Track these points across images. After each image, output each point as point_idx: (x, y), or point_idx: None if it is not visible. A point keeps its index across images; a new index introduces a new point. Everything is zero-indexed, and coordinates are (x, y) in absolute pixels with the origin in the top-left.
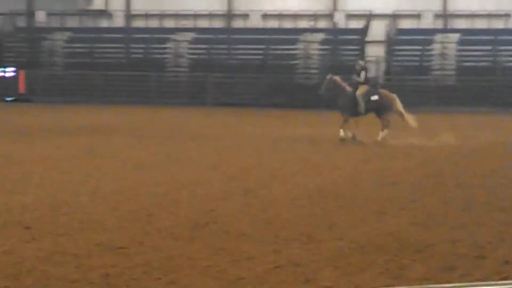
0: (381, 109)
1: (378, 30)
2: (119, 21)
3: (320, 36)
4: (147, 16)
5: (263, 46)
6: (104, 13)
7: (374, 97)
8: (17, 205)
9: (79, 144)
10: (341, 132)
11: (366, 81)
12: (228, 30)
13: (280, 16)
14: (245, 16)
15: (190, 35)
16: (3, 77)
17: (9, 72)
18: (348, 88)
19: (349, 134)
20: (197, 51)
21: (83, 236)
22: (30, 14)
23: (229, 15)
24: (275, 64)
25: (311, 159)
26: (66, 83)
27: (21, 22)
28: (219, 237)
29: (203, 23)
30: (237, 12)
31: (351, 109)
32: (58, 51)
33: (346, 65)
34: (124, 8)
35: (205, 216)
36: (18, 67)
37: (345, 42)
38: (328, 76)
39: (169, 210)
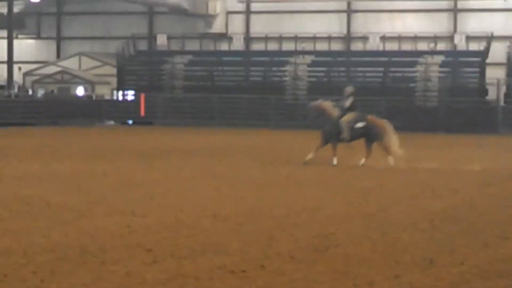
0: (368, 137)
1: (498, 52)
2: (238, 44)
3: (440, 58)
4: (266, 39)
5: (382, 69)
6: (224, 37)
7: (360, 124)
8: (139, 226)
9: (199, 166)
10: (334, 161)
11: (353, 107)
12: (347, 53)
13: (399, 38)
14: (364, 38)
15: (309, 58)
16: (124, 100)
17: (130, 95)
18: (334, 114)
19: (334, 160)
20: (315, 74)
21: (205, 258)
22: (151, 38)
23: (348, 38)
24: (394, 87)
25: (430, 182)
26: (186, 105)
27: (142, 46)
28: (339, 261)
29: (322, 46)
30: (356, 35)
31: (334, 136)
32: (178, 74)
33: (466, 87)
34: (243, 31)
35: (326, 239)
36: (139, 90)
37: (465, 64)
38: (312, 103)
39: (290, 233)
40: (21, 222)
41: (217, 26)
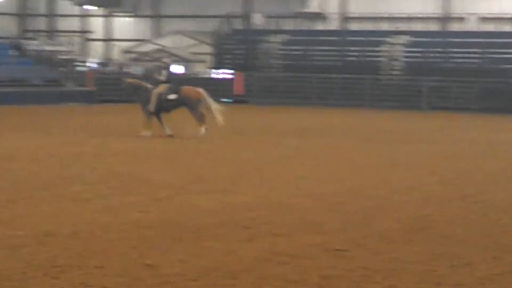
0: (187, 107)
1: None
2: (334, 24)
3: None
4: (362, 18)
5: (479, 50)
6: (320, 16)
7: (172, 96)
8: (235, 204)
9: (294, 145)
10: (142, 133)
11: (168, 79)
12: (444, 33)
13: (497, 19)
14: (461, 19)
15: (405, 38)
16: (221, 78)
17: (226, 74)
18: (148, 86)
19: (145, 132)
20: (411, 54)
21: (302, 237)
22: (247, 17)
23: (445, 18)
24: (491, 68)
25: None
26: (282, 85)
27: (238, 25)
28: (437, 242)
29: (418, 26)
30: (453, 15)
31: (145, 108)
32: (274, 53)
33: None
34: (339, 11)
35: (423, 220)
36: (235, 69)
37: None
38: (124, 80)
39: (387, 213)
40: (119, 198)
41: (313, 5)
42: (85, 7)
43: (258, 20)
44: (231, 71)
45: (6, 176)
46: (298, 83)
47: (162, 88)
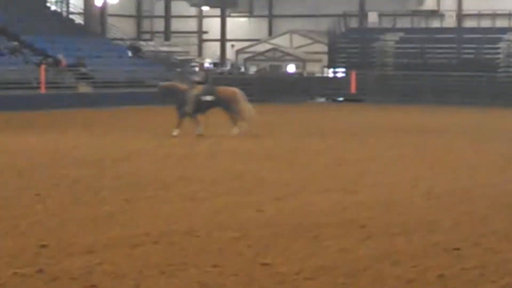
0: (223, 107)
1: None
2: (450, 21)
3: None
4: (479, 16)
5: None
6: (436, 14)
7: (208, 98)
8: (352, 203)
9: (410, 144)
10: (175, 132)
11: (204, 80)
12: None
13: None
14: None
15: None
16: (335, 77)
17: (340, 72)
18: (184, 89)
19: (200, 130)
20: None
21: (418, 236)
22: (362, 15)
23: None
24: None
25: None
26: (397, 83)
27: (353, 23)
28: None
29: None
30: None
31: (181, 110)
32: (389, 52)
33: None
34: (455, 8)
35: None
36: (349, 67)
37: None
38: (158, 85)
39: (504, 212)
40: (236, 197)
41: (429, 3)
42: (200, 8)
43: (373, 18)
44: (344, 70)
45: (126, 176)
46: (413, 82)
47: (198, 89)
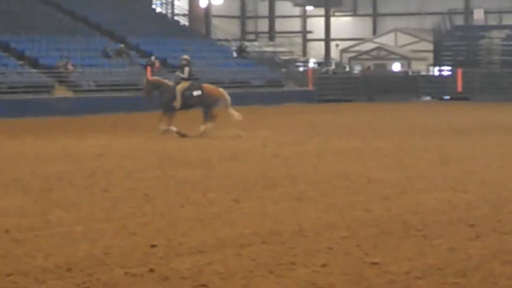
0: (205, 104)
1: None
2: None
3: None
4: None
5: None
6: None
7: (197, 92)
8: (460, 202)
9: None
10: (162, 127)
11: (190, 76)
12: None
13: None
14: None
15: None
16: (441, 75)
17: (446, 70)
18: (170, 84)
19: (170, 128)
20: None
21: None
22: (468, 13)
23: None
24: None
25: None
26: (504, 81)
27: (459, 21)
28: None
29: None
30: None
31: (168, 105)
32: (495, 49)
33: None
34: None
35: None
36: (455, 65)
37: None
38: (144, 79)
39: None
40: (343, 197)
41: None
42: (305, 7)
43: (478, 15)
44: (450, 68)
45: (233, 176)
46: None
47: (185, 84)
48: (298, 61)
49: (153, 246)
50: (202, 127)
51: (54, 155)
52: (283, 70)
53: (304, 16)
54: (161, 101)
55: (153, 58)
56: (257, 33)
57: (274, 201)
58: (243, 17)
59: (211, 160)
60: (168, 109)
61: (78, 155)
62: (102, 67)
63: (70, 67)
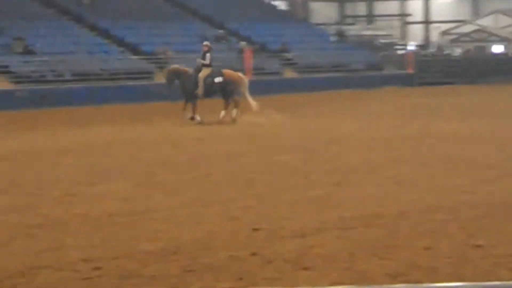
0: (226, 91)
1: None
2: None
3: None
4: None
5: None
6: None
7: (218, 79)
8: None
9: None
10: (187, 115)
11: (211, 62)
12: None
13: None
14: None
15: None
16: None
17: None
18: (190, 71)
19: (197, 116)
20: None
21: None
22: None
23: None
24: None
25: None
26: None
27: None
28: None
29: None
30: None
31: (191, 93)
32: None
33: None
34: None
35: None
36: None
37: None
38: (166, 69)
39: None
40: (445, 179)
41: None
42: None
43: None
44: None
45: (334, 160)
46: None
47: (207, 71)
48: (397, 44)
49: (255, 229)
50: (223, 113)
51: (155, 140)
52: (382, 53)
53: None
54: (183, 90)
55: (243, 43)
56: (355, 17)
57: (375, 184)
58: (341, 1)
59: (311, 144)
60: (191, 97)
61: (179, 140)
62: (199, 52)
63: (169, 53)
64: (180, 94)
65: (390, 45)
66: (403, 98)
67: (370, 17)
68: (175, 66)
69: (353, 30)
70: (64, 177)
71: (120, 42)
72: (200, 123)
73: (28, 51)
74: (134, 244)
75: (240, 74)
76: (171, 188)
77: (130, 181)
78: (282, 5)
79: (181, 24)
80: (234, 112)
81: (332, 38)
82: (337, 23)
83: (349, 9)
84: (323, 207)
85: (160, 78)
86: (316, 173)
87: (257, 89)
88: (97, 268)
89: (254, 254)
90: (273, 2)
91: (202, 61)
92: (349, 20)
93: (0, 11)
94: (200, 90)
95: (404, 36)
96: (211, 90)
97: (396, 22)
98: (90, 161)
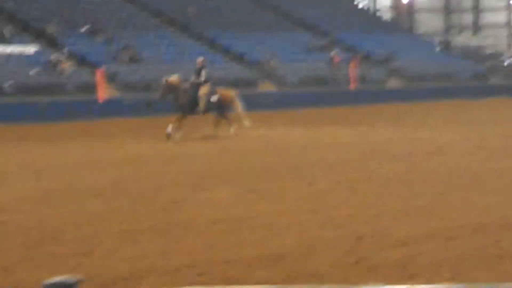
0: (220, 109)
1: None
2: None
3: None
4: None
5: None
6: None
7: (214, 98)
8: None
9: None
10: (169, 128)
11: (207, 80)
12: None
13: None
14: None
15: None
16: None
17: None
18: (185, 86)
19: (179, 133)
20: None
21: None
22: None
23: None
24: None
25: None
26: None
27: None
28: None
29: None
30: None
31: (189, 108)
32: None
33: None
34: None
35: None
36: None
37: None
38: (163, 80)
39: None
40: None
41: None
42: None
43: None
44: None
45: (437, 169)
46: None
47: (206, 88)
48: (503, 55)
49: (359, 237)
50: (232, 129)
51: (260, 147)
52: (488, 63)
53: (510, 9)
54: (178, 105)
55: (333, 53)
56: (461, 27)
57: (479, 194)
58: (447, 11)
59: (414, 154)
60: (184, 113)
61: (283, 147)
62: (305, 62)
63: (274, 62)
64: (173, 108)
65: (497, 55)
66: (509, 109)
67: (476, 27)
68: (172, 79)
69: (458, 40)
70: (170, 184)
71: (225, 52)
72: (170, 137)
73: (135, 60)
74: (237, 250)
75: (232, 92)
76: (274, 196)
77: (235, 188)
78: (387, 16)
79: (286, 34)
80: (232, 129)
81: (438, 48)
82: (443, 33)
83: (455, 19)
84: (427, 216)
85: (264, 87)
86: (419, 182)
87: (360, 98)
88: (201, 274)
89: (358, 262)
90: (377, 13)
91: (197, 80)
92: (455, 30)
93: (109, 21)
94: (201, 108)
95: (511, 46)
96: (208, 107)
97: (503, 32)
98: (195, 169)
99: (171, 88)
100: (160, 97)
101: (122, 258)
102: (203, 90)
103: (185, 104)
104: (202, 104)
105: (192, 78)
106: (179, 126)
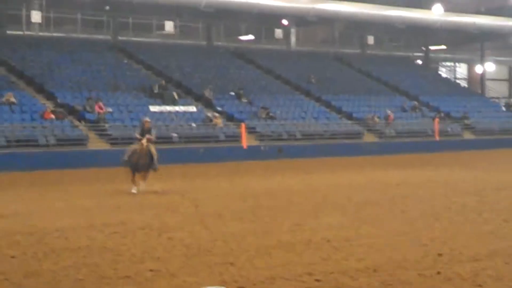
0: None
1: None
2: None
3: None
4: None
5: None
6: None
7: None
8: None
9: None
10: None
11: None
12: None
13: None
14: None
15: None
16: None
17: None
18: (145, 148)
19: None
20: None
21: None
22: None
23: None
24: None
25: None
26: None
27: None
28: None
29: None
30: None
31: (144, 166)
32: None
33: None
34: None
35: None
36: None
37: None
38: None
39: None
40: None
41: None
42: None
43: None
44: None
45: (503, 201)
46: None
47: (153, 147)
48: None
49: (439, 254)
50: (143, 185)
51: (364, 185)
52: None
53: None
54: (137, 164)
55: (389, 111)
56: None
57: None
58: (510, 79)
59: (486, 189)
60: (139, 170)
61: (382, 184)
62: (400, 119)
63: (376, 119)
64: (133, 168)
65: None
66: None
67: None
68: (141, 145)
69: None
70: (295, 211)
71: (338, 111)
72: (133, 192)
73: (270, 117)
74: (345, 263)
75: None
76: (374, 221)
77: (344, 215)
78: (464, 83)
79: (385, 97)
80: (142, 183)
81: (503, 108)
82: (507, 97)
83: None
84: (494, 238)
85: (366, 139)
86: (488, 211)
87: (442, 147)
88: (318, 280)
89: (438, 273)
90: (457, 81)
91: (150, 136)
92: None
93: (251, 87)
94: (156, 164)
95: None
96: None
97: None
98: (315, 200)
99: (136, 152)
100: (125, 162)
101: (258, 266)
102: (154, 148)
103: (142, 163)
104: (155, 161)
105: (147, 137)
106: (136, 180)
